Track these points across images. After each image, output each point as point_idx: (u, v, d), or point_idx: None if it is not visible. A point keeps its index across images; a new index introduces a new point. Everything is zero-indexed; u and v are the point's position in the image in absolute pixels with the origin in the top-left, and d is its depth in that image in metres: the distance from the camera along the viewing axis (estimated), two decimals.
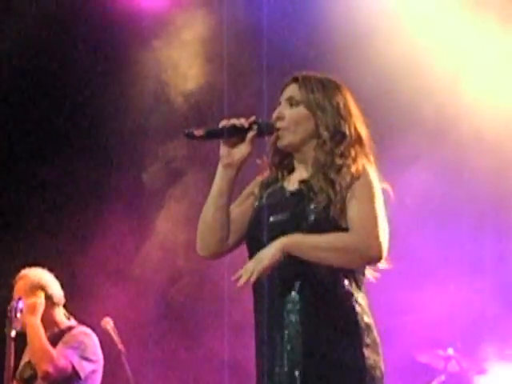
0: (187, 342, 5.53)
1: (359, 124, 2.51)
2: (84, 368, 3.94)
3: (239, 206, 2.58)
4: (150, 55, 5.73)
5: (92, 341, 4.06)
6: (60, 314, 4.15)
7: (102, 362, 4.09)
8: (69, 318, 4.19)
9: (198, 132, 2.46)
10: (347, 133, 2.46)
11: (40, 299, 4.02)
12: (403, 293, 5.31)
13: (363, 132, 2.51)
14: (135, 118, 5.71)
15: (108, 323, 4.32)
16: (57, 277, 4.20)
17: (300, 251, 2.33)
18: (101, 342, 4.14)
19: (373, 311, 5.25)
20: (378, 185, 2.43)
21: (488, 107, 5.22)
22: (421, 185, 5.12)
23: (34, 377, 3.98)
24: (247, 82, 4.23)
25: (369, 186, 2.40)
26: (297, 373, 2.36)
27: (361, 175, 2.41)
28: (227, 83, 3.88)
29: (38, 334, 3.92)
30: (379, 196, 2.41)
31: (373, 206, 2.37)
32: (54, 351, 3.90)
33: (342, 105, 2.49)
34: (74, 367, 3.90)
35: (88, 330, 4.12)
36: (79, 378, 3.93)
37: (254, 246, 2.45)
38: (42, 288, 4.06)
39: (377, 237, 2.33)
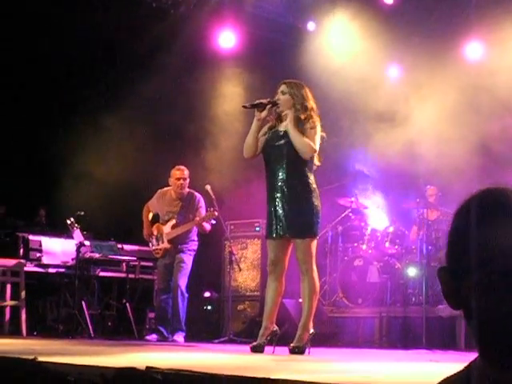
0: None
1: (313, 103, 5.56)
2: None
3: (261, 136, 5.61)
4: None
5: None
6: None
7: None
8: None
9: (248, 105, 5.63)
10: (308, 106, 5.53)
11: None
12: None
13: (315, 107, 5.57)
14: None
15: (209, 187, 7.22)
16: None
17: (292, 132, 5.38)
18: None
19: None
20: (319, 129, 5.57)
21: None
22: None
23: None
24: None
25: (316, 128, 5.46)
26: (286, 207, 5.50)
27: (315, 125, 5.47)
28: None
29: None
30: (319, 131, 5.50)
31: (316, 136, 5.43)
32: None
33: (305, 95, 5.52)
34: None
35: None
36: None
37: (267, 158, 5.59)
38: None
39: (314, 149, 5.44)
